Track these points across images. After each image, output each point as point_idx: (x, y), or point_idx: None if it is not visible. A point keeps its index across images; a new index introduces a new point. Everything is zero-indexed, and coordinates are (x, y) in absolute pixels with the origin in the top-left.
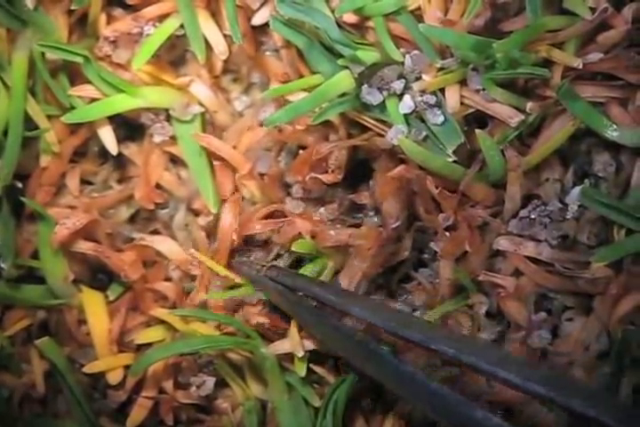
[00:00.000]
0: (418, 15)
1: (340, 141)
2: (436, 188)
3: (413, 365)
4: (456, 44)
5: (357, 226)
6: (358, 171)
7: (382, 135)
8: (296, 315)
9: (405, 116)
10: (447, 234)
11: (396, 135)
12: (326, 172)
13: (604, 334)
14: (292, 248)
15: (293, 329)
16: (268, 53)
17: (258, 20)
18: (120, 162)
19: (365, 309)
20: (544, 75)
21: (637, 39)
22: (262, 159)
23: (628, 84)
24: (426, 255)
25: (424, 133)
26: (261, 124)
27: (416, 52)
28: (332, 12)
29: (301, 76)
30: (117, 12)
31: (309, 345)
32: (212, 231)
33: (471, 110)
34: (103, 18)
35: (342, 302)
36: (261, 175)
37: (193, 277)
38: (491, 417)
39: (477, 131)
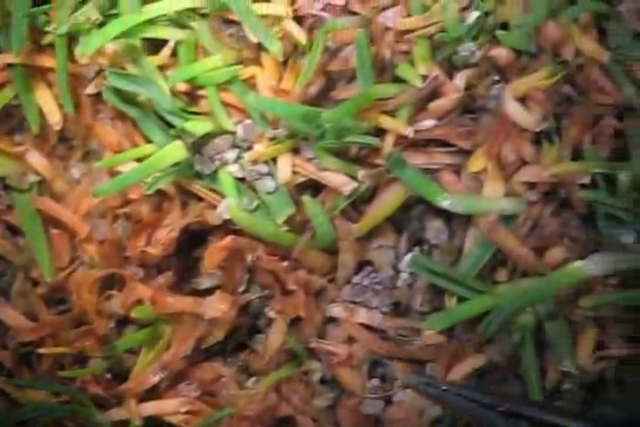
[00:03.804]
0: (253, 83)
1: (174, 222)
2: (269, 255)
3: None
4: (285, 114)
5: (194, 292)
6: (194, 237)
7: (215, 205)
8: None
9: (237, 185)
10: (281, 300)
11: (227, 209)
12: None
13: None
14: (132, 314)
15: (130, 396)
16: (104, 122)
17: (91, 89)
18: None
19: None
20: (373, 144)
21: (470, 106)
22: (99, 226)
23: (462, 151)
24: (261, 321)
25: (255, 203)
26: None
27: (248, 121)
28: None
29: (136, 146)
30: None
31: (146, 411)
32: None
33: (304, 179)
34: None
35: (546, 418)
36: (100, 242)
37: (35, 344)
38: None
39: (305, 198)
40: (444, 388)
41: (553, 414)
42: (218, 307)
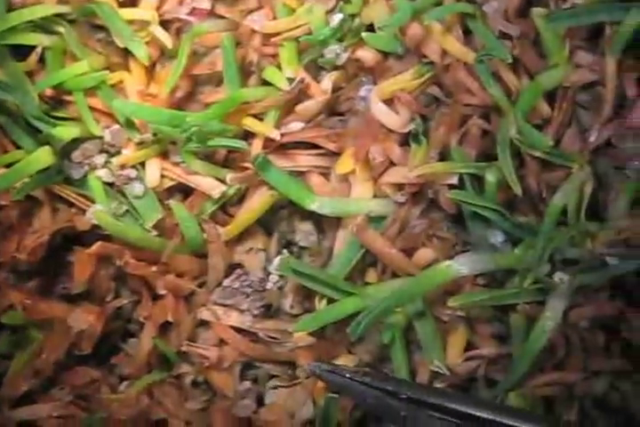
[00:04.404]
0: (121, 88)
1: (43, 228)
2: (138, 260)
3: None
4: (150, 118)
5: (67, 297)
6: (68, 242)
7: (85, 210)
8: (395, 420)
9: (106, 190)
10: (149, 305)
11: (94, 214)
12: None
13: (309, 401)
14: (3, 320)
15: (3, 401)
16: None
17: None
18: None
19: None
20: (241, 147)
21: (338, 108)
22: None
23: (330, 153)
24: (133, 325)
25: (124, 208)
26: None
27: (115, 126)
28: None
29: (5, 152)
30: None
31: (19, 416)
32: None
33: (173, 183)
34: None
35: (447, 404)
36: None
37: None
38: None
39: (172, 202)
40: (348, 375)
41: (453, 401)
42: (85, 318)
